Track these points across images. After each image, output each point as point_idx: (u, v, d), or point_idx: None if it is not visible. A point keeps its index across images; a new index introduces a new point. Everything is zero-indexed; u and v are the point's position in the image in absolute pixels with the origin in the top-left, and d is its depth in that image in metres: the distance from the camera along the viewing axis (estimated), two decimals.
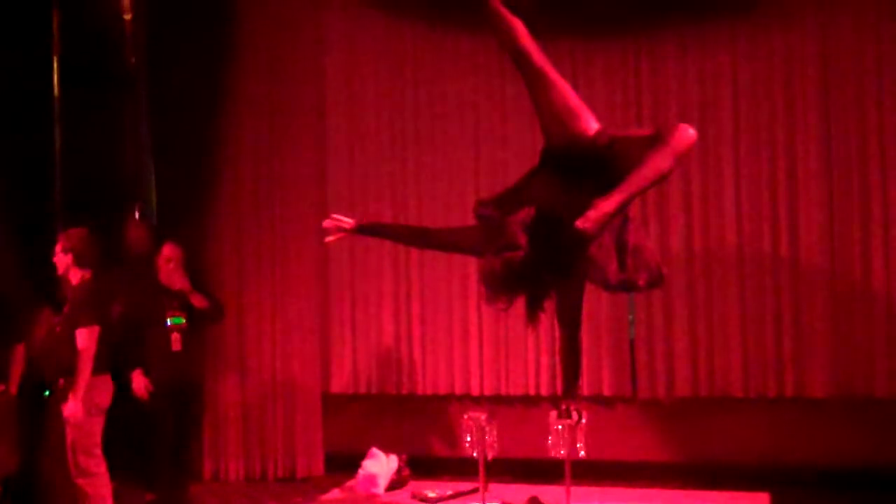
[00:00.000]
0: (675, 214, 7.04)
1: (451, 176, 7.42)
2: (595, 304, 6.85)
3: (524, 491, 4.37)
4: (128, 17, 7.46)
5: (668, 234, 7.03)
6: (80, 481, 5.64)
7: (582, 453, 3.89)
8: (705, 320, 6.98)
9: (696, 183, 7.01)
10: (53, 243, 5.89)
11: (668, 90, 7.09)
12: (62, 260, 5.80)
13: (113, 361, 5.83)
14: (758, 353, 6.88)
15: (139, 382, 6.46)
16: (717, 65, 7.01)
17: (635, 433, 7.14)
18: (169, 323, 6.55)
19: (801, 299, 6.82)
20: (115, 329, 5.96)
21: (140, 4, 7.49)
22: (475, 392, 7.37)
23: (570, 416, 3.94)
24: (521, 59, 3.61)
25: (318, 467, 7.47)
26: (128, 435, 6.47)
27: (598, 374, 7.14)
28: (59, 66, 7.34)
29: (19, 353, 6.40)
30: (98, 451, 5.70)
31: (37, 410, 6.36)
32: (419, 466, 5.13)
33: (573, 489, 4.13)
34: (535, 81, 3.60)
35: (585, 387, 6.99)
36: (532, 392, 7.27)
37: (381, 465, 6.16)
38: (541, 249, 3.43)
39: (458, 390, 7.41)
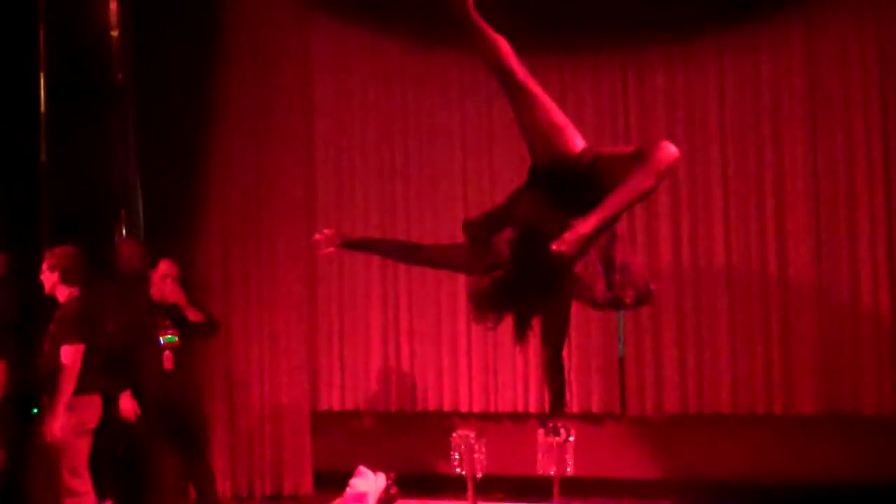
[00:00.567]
0: (663, 231, 7.04)
1: (439, 195, 7.41)
2: (584, 321, 6.85)
3: None
4: (114, 32, 7.44)
5: (657, 251, 7.03)
6: (67, 501, 5.59)
7: (570, 470, 3.89)
8: (694, 337, 6.98)
9: (684, 199, 7.03)
10: (40, 260, 5.85)
11: (656, 107, 7.10)
12: (49, 278, 5.77)
13: (103, 381, 5.80)
14: (746, 369, 6.88)
15: (126, 405, 6.36)
16: (705, 81, 7.03)
17: (624, 450, 7.12)
18: (162, 341, 6.49)
19: (790, 316, 6.82)
20: (107, 348, 5.92)
21: (127, 19, 7.47)
22: (464, 409, 7.34)
23: (557, 434, 3.93)
24: (505, 77, 3.60)
25: (307, 485, 7.41)
26: (121, 457, 6.42)
27: (587, 391, 7.12)
28: (45, 82, 7.32)
29: (2, 369, 6.35)
30: (84, 471, 5.65)
31: (22, 428, 6.31)
32: (408, 484, 5.14)
33: None
34: (519, 99, 3.59)
35: (575, 404, 6.99)
36: (521, 409, 7.25)
37: (369, 484, 6.13)
38: (528, 268, 3.41)
39: (447, 407, 7.38)
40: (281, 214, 7.47)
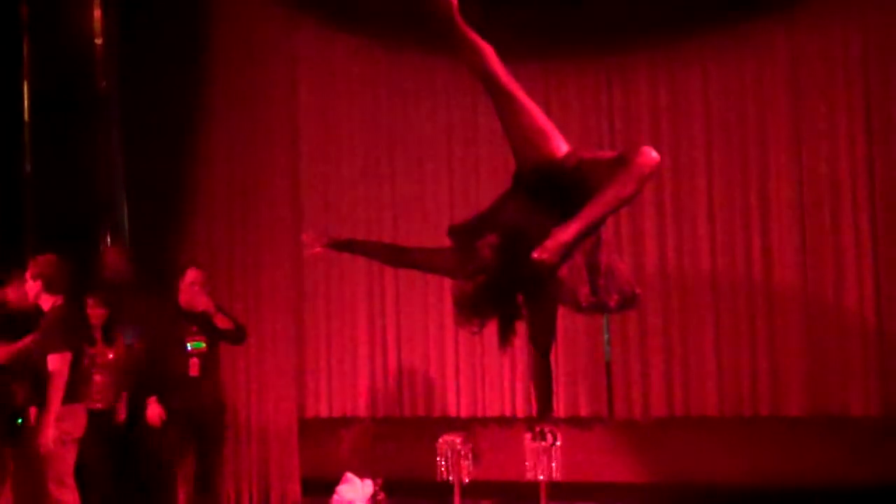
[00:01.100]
0: (648, 235, 7.05)
1: (424, 198, 7.42)
2: (571, 325, 6.85)
3: None
4: (98, 41, 7.42)
5: (643, 254, 7.04)
6: None
7: (556, 474, 3.89)
8: (681, 340, 6.99)
9: (669, 203, 7.04)
10: (24, 270, 5.83)
11: (640, 111, 7.12)
12: (32, 287, 5.75)
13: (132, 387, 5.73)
14: (733, 372, 6.88)
15: (154, 411, 6.34)
16: (689, 86, 7.05)
17: (612, 454, 7.12)
18: (189, 347, 6.44)
19: (776, 318, 6.84)
20: (134, 355, 5.90)
21: (111, 28, 7.46)
22: (452, 414, 7.33)
23: (545, 438, 3.93)
24: (489, 83, 3.61)
25: (295, 492, 7.40)
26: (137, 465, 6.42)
27: (574, 395, 7.12)
28: (29, 92, 7.30)
29: None
30: (70, 481, 5.63)
31: (7, 438, 6.28)
32: (395, 490, 5.12)
33: None
34: (503, 104, 3.59)
35: (562, 408, 6.99)
36: (508, 413, 7.24)
37: (356, 491, 6.13)
38: (511, 273, 3.41)
39: (435, 412, 7.38)
40: (267, 221, 7.47)
